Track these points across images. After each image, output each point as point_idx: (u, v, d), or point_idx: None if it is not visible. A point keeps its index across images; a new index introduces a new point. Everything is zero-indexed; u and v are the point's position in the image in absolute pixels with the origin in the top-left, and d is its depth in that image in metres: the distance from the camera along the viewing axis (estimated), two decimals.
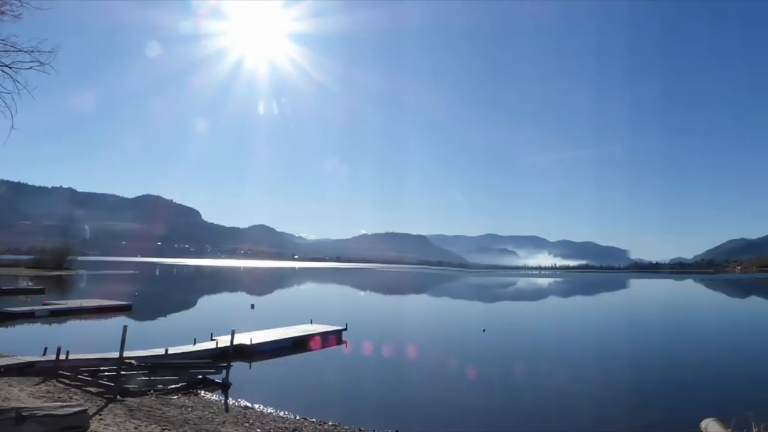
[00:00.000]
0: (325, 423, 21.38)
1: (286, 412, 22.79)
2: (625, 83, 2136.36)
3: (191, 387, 26.44)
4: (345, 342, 43.96)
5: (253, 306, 71.91)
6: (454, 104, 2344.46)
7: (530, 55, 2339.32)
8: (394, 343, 43.14)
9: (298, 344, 41.28)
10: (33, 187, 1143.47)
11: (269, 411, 23.02)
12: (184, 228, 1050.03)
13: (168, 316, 66.02)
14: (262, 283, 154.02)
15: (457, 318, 72.84)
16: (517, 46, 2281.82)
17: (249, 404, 23.99)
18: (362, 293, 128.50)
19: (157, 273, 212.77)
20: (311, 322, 48.13)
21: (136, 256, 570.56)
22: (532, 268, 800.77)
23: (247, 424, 20.29)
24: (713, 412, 21.52)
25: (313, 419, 21.78)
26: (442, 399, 26.79)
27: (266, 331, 43.22)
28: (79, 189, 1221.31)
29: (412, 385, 29.91)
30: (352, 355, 39.55)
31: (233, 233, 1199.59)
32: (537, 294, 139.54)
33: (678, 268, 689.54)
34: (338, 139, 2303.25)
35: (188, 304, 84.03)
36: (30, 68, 17.99)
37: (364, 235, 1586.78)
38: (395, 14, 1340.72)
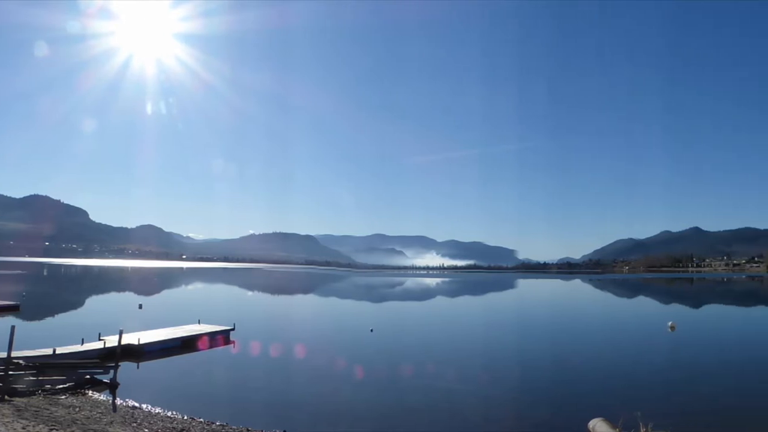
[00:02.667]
0: (213, 423, 21.03)
1: (174, 412, 22.32)
2: (513, 83, 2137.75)
3: (79, 387, 25.56)
4: (233, 342, 43.40)
5: (141, 306, 69.83)
6: (340, 104, 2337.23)
7: (418, 55, 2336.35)
8: (282, 343, 42.64)
9: (186, 344, 40.51)
10: None
11: (157, 411, 22.47)
12: (72, 228, 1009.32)
13: (56, 316, 63.16)
14: (149, 284, 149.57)
15: (345, 318, 72.36)
16: (405, 46, 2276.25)
17: (137, 404, 23.37)
18: (250, 293, 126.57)
19: (45, 273, 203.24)
20: (199, 322, 47.38)
21: (23, 256, 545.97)
22: (420, 268, 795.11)
23: (135, 424, 19.73)
24: (601, 412, 22.00)
25: (201, 419, 21.40)
26: (330, 399, 26.54)
27: (154, 331, 42.31)
28: None
29: (300, 385, 29.52)
30: (240, 355, 39.00)
31: (121, 233, 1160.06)
32: (425, 294, 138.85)
33: (566, 268, 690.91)
34: (226, 138, 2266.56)
35: (76, 304, 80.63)
36: None
37: (252, 235, 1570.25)
38: (282, 14, 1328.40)
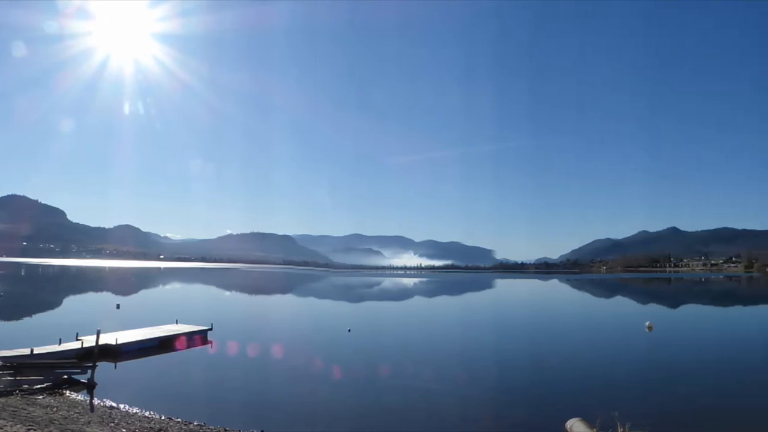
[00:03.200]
0: (191, 423, 20.92)
1: (152, 412, 22.16)
2: (493, 83, 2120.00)
3: (57, 387, 25.39)
4: (210, 342, 43.16)
5: (118, 306, 69.17)
6: (319, 104, 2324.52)
7: (397, 55, 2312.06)
8: (259, 343, 42.47)
9: (164, 344, 40.28)
10: None
11: (135, 411, 22.31)
12: (50, 228, 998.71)
13: (33, 315, 62.46)
14: (127, 284, 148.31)
15: (323, 318, 71.81)
16: (384, 46, 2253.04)
17: (114, 404, 23.19)
18: (228, 293, 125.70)
19: (23, 273, 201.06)
20: (177, 322, 47.17)
21: (0, 256, 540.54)
22: (397, 268, 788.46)
23: (112, 424, 19.60)
24: (578, 412, 21.82)
25: (179, 419, 21.28)
26: (308, 399, 26.33)
27: (132, 331, 42.02)
28: None
29: (278, 385, 29.39)
30: (217, 355, 38.68)
31: (98, 233, 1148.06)
32: (402, 294, 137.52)
33: (543, 268, 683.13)
34: (203, 138, 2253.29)
35: (53, 304, 79.68)
36: None
37: (230, 235, 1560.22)
38: (261, 15, 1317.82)
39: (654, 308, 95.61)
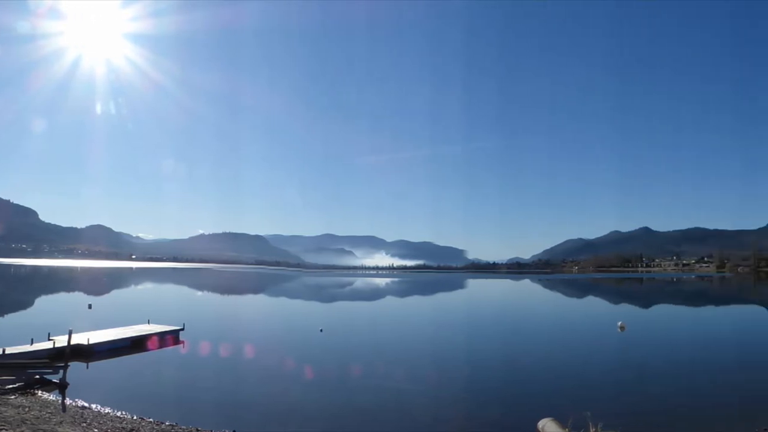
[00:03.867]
0: (162, 423, 20.76)
1: (124, 412, 21.98)
2: (463, 83, 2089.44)
3: (29, 387, 25.11)
4: (182, 342, 42.87)
5: (90, 306, 68.48)
6: (290, 104, 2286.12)
7: (367, 56, 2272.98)
8: (231, 343, 42.18)
9: (136, 344, 39.95)
10: None
11: (107, 411, 22.12)
12: (22, 228, 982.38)
13: (5, 315, 61.46)
14: (99, 284, 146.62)
15: (295, 318, 71.45)
16: (354, 47, 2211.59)
17: (86, 404, 22.97)
18: (199, 293, 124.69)
19: None
20: (149, 322, 46.71)
21: None
22: (369, 268, 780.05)
23: (84, 424, 19.44)
24: (550, 412, 21.70)
25: (151, 419, 21.11)
26: (280, 399, 26.28)
27: (104, 331, 41.58)
28: None
29: (250, 385, 29.21)
30: (189, 355, 38.50)
31: (70, 233, 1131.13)
32: (374, 294, 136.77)
33: (515, 268, 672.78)
34: (176, 139, 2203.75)
35: (25, 304, 78.56)
36: None
37: (202, 235, 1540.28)
38: (233, 14, 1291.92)
39: (626, 308, 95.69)
